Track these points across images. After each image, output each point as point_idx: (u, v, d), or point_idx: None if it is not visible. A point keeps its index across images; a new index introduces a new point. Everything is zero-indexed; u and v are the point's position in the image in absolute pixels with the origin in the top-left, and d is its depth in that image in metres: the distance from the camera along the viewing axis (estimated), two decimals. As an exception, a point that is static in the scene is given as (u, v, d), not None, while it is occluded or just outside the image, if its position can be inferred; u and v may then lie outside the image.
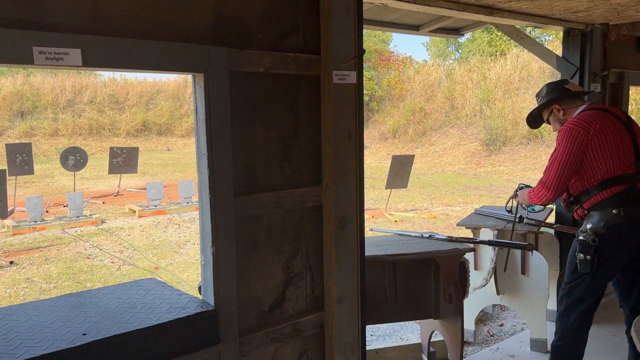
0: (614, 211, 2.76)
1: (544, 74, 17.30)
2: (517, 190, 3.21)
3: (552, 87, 3.07)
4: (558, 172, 2.81)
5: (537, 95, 3.16)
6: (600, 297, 2.91)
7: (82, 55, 1.74)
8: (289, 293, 2.42)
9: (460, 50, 26.75)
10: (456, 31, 4.38)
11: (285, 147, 2.35)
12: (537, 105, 3.15)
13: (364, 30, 2.62)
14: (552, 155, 2.88)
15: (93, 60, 1.77)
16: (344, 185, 2.48)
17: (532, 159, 15.72)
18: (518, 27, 3.94)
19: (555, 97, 3.02)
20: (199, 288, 2.31)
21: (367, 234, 2.86)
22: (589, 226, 2.80)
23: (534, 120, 3.20)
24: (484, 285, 3.59)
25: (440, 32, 4.27)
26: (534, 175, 14.18)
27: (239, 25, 2.14)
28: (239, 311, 2.21)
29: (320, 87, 2.39)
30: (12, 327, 1.94)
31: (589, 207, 2.86)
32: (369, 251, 2.89)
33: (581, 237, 2.81)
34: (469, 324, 3.86)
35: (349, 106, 2.45)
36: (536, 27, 3.75)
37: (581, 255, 2.79)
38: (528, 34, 4.17)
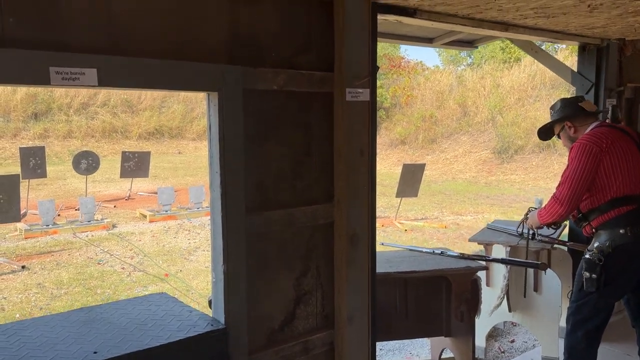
0: (621, 231, 2.75)
1: (558, 82, 17.17)
2: (526, 214, 3.18)
3: (566, 103, 3.05)
4: (572, 187, 2.79)
5: (552, 108, 3.14)
6: (608, 317, 2.89)
7: (98, 75, 1.74)
8: (300, 311, 2.41)
9: (472, 57, 26.63)
10: (470, 43, 4.36)
11: (297, 163, 2.34)
12: (550, 119, 3.13)
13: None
14: (565, 171, 2.86)
15: (109, 80, 1.77)
16: (356, 202, 2.47)
17: (544, 168, 15.59)
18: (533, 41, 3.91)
19: (568, 114, 3.00)
20: (209, 302, 2.30)
21: (378, 248, 2.84)
22: (595, 245, 2.80)
23: (545, 132, 3.20)
24: (499, 305, 3.55)
25: (454, 45, 4.25)
26: (545, 185, 14.07)
27: (254, 43, 2.14)
28: (249, 329, 2.20)
29: (334, 104, 2.39)
30: (24, 343, 1.95)
31: (597, 226, 2.84)
32: (380, 267, 2.88)
33: (587, 256, 2.81)
34: (480, 340, 3.82)
35: (361, 123, 2.44)
36: (551, 42, 3.72)
37: (587, 273, 2.78)
38: (542, 48, 4.13)
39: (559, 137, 3.12)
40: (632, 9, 2.71)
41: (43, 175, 10.65)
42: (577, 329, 2.89)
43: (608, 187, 2.77)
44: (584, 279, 2.80)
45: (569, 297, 2.97)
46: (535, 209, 3.13)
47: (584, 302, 2.86)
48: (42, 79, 1.66)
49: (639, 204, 2.76)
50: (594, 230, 2.86)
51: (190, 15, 1.95)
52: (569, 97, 3.13)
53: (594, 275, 2.75)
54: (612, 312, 2.91)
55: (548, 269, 3.44)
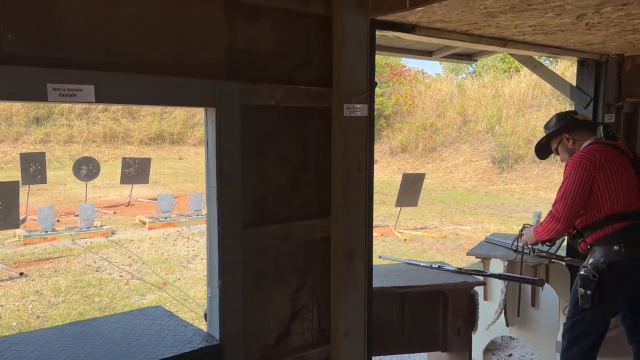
0: (615, 247, 2.75)
1: (558, 92, 17.19)
2: (521, 230, 3.18)
3: (561, 117, 3.08)
4: (568, 205, 2.79)
5: (546, 127, 3.14)
6: (603, 333, 2.89)
7: (95, 91, 1.75)
8: (295, 326, 2.40)
9: (474, 65, 26.71)
10: (469, 57, 4.38)
11: (294, 178, 2.34)
12: (547, 134, 3.13)
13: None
14: (560, 189, 2.87)
15: (106, 96, 1.78)
16: (353, 217, 2.47)
17: (544, 178, 15.58)
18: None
19: (565, 126, 3.02)
20: (205, 315, 2.30)
21: (375, 261, 2.84)
22: (590, 261, 2.81)
23: (542, 149, 3.20)
24: (496, 320, 3.54)
25: (453, 58, 4.27)
26: (546, 195, 14.05)
27: (252, 59, 2.15)
28: (243, 344, 2.20)
29: (332, 119, 2.39)
30: (18, 358, 1.94)
31: (591, 242, 2.85)
32: (377, 281, 2.87)
33: (582, 272, 2.82)
34: (477, 354, 3.81)
35: (359, 139, 2.45)
36: (550, 57, 3.73)
37: (582, 290, 2.79)
38: (542, 62, 4.15)
39: (557, 152, 3.12)
40: (630, 27, 2.73)
41: (43, 181, 10.65)
42: (572, 346, 2.89)
43: (602, 204, 2.78)
44: (579, 295, 2.80)
45: (565, 312, 2.97)
46: (531, 225, 3.13)
47: (579, 319, 2.86)
48: (40, 96, 1.67)
49: (633, 221, 2.76)
50: (588, 246, 2.87)
51: (189, 32, 1.96)
52: (562, 112, 3.15)
53: (588, 292, 2.76)
54: (607, 329, 2.90)
55: (546, 284, 3.43)
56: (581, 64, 3.89)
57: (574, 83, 4.02)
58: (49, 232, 8.75)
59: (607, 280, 2.75)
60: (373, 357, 2.71)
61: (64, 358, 1.93)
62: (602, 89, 3.79)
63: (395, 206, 9.97)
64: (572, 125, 3.00)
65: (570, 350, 2.90)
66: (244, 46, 2.11)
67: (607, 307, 2.80)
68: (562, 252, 3.85)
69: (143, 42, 1.86)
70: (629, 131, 4.17)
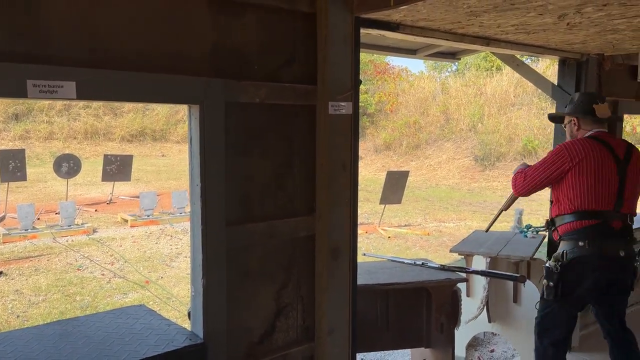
0: (580, 243, 2.81)
1: (539, 91, 17.40)
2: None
3: (583, 99, 3.03)
4: (534, 176, 2.95)
5: (570, 99, 3.15)
6: (571, 327, 2.96)
7: (77, 88, 1.72)
8: (280, 323, 2.40)
9: (456, 64, 26.90)
10: (452, 55, 4.40)
11: (279, 176, 2.34)
12: (566, 107, 3.18)
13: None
14: (540, 160, 3.00)
15: (88, 93, 1.76)
16: (338, 215, 2.47)
17: (526, 175, 15.77)
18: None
19: (578, 112, 3.00)
20: (189, 314, 2.29)
21: (360, 258, 2.85)
22: (554, 254, 2.89)
23: (556, 117, 3.29)
24: (478, 316, 3.58)
25: (437, 56, 4.29)
26: (527, 192, 14.19)
27: (237, 56, 2.13)
28: (227, 343, 2.19)
29: (316, 117, 2.39)
30: (-3, 358, 1.91)
31: (562, 234, 2.91)
32: (361, 279, 2.88)
33: (546, 265, 2.89)
34: (459, 350, 3.85)
35: (344, 137, 2.45)
36: (532, 56, 3.77)
37: (545, 281, 2.87)
38: (524, 61, 4.19)
39: (565, 126, 3.17)
40: (610, 28, 2.77)
41: (23, 178, 10.48)
42: (543, 339, 2.96)
43: (573, 198, 2.83)
44: (544, 287, 2.88)
45: (536, 307, 3.01)
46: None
47: (546, 313, 2.94)
48: (19, 92, 1.64)
49: (603, 220, 2.80)
50: (559, 237, 2.93)
51: (173, 28, 1.94)
52: (589, 93, 3.11)
53: (551, 284, 2.83)
54: (575, 323, 2.99)
55: (527, 281, 3.48)
56: (562, 63, 3.94)
57: (555, 82, 4.07)
58: (29, 230, 8.61)
59: (569, 273, 2.81)
60: (357, 354, 2.72)
61: (44, 358, 1.91)
62: (582, 88, 3.84)
63: (380, 203, 10.02)
64: (583, 113, 2.98)
65: (541, 343, 2.98)
66: (228, 43, 2.10)
67: (572, 301, 2.87)
68: (544, 248, 3.90)
69: (126, 39, 1.84)
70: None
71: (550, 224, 3.01)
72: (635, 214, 2.94)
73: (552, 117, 3.33)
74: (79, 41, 1.74)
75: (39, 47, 1.67)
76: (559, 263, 2.81)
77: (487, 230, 3.73)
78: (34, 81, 1.65)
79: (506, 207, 3.34)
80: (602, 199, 2.80)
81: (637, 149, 2.99)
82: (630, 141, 3.15)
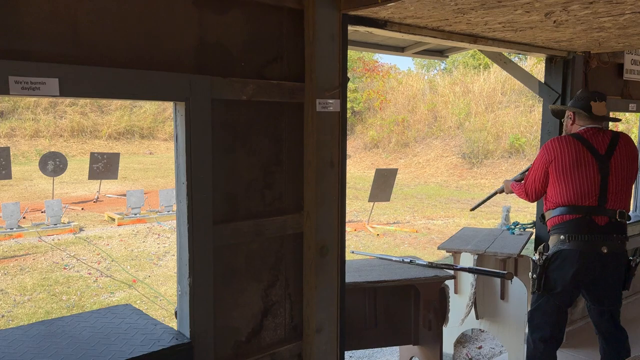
0: (561, 237, 2.87)
1: (527, 89, 17.51)
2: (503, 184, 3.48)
3: (583, 96, 3.03)
4: (529, 184, 3.07)
5: (575, 96, 3.15)
6: (560, 321, 2.97)
7: (60, 85, 1.70)
8: (267, 322, 2.39)
9: (445, 62, 26.99)
10: (440, 53, 4.41)
11: (266, 174, 2.32)
12: (568, 104, 3.28)
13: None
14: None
15: (71, 90, 1.73)
16: (326, 213, 2.46)
17: (513, 173, 15.87)
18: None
19: (576, 107, 3.01)
20: (176, 313, 2.27)
21: (348, 256, 2.85)
22: (539, 247, 2.98)
23: (557, 110, 3.36)
24: (468, 314, 3.59)
25: (425, 54, 4.30)
26: (515, 189, 14.29)
27: (223, 53, 2.11)
28: (215, 342, 2.17)
29: (304, 115, 2.38)
30: (-20, 359, 1.88)
31: (550, 227, 2.98)
32: (349, 276, 2.88)
33: (532, 257, 2.98)
34: (447, 347, 3.86)
35: (331, 134, 2.44)
36: (519, 54, 3.78)
37: (530, 273, 2.96)
38: (511, 59, 4.21)
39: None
40: (596, 25, 2.78)
41: (8, 176, 10.35)
42: (534, 334, 3.00)
43: (556, 194, 2.90)
44: (531, 280, 2.95)
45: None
46: (509, 180, 3.42)
47: (536, 307, 2.98)
48: (1, 89, 1.61)
49: (585, 215, 2.83)
50: (548, 231, 3.00)
51: (157, 24, 1.92)
52: (591, 90, 3.09)
53: (534, 276, 2.90)
54: (565, 318, 3.01)
55: (515, 278, 3.49)
56: (549, 61, 3.96)
57: (542, 79, 4.09)
58: (14, 229, 8.51)
59: (552, 267, 2.87)
60: (346, 352, 2.72)
61: (28, 359, 1.88)
62: (569, 86, 3.87)
63: (368, 201, 10.03)
64: (581, 108, 2.97)
65: (532, 338, 3.01)
66: (214, 39, 2.08)
67: (557, 296, 2.89)
68: (531, 245, 3.93)
69: (110, 35, 1.81)
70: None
71: (542, 218, 3.10)
72: (627, 210, 2.94)
73: (554, 112, 3.40)
74: (61, 37, 1.71)
75: (20, 42, 1.64)
76: (543, 256, 2.88)
77: (472, 209, 4.05)
78: (15, 77, 1.62)
79: (501, 191, 3.55)
80: (582, 195, 2.83)
81: (625, 138, 2.97)
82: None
